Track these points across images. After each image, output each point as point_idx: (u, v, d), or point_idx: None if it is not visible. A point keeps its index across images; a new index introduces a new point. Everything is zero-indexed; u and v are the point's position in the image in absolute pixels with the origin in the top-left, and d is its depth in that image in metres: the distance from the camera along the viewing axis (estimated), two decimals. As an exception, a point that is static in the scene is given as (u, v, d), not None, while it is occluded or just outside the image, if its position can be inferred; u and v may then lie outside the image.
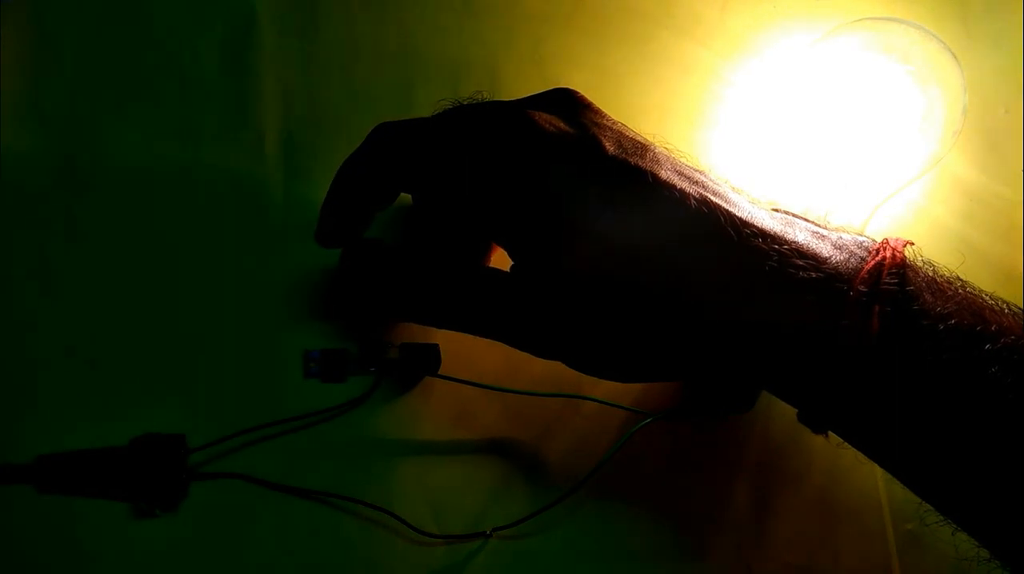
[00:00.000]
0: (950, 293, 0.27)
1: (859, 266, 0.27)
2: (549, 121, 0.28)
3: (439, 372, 0.35)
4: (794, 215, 0.35)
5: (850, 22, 0.36)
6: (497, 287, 0.30)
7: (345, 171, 0.31)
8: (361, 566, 0.35)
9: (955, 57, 0.35)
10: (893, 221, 0.38)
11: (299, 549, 0.34)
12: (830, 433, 0.29)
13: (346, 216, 0.31)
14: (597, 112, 0.30)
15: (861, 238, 0.29)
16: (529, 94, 0.31)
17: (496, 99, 0.30)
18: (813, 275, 0.27)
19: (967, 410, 0.25)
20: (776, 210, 0.35)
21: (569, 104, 0.30)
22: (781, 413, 0.36)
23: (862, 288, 0.26)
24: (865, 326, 0.26)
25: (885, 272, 0.26)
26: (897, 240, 0.28)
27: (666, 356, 0.28)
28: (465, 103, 0.30)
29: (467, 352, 0.33)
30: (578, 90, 0.30)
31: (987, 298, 0.27)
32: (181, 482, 0.34)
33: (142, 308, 0.35)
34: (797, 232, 0.28)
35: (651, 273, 0.27)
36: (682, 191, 0.28)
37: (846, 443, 0.29)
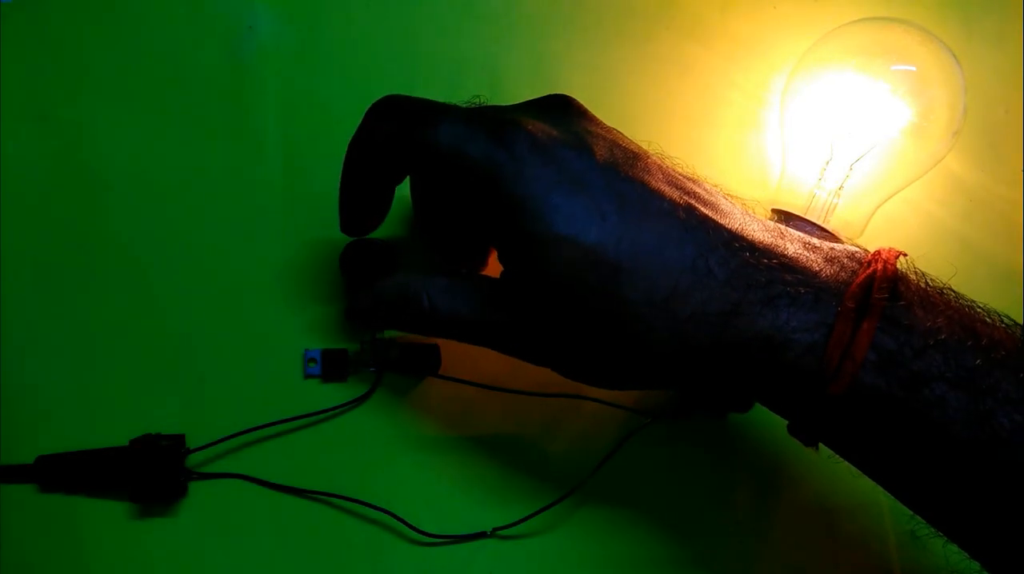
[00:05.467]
0: (942, 306, 0.26)
1: (850, 279, 0.27)
2: (542, 130, 0.28)
3: (440, 372, 0.35)
4: (794, 216, 0.35)
5: (850, 22, 0.36)
6: (487, 294, 0.30)
7: (351, 156, 0.30)
8: (361, 566, 0.35)
9: (955, 57, 0.34)
10: (893, 221, 0.38)
11: (299, 549, 0.34)
12: (821, 445, 0.29)
13: (365, 200, 0.31)
14: (592, 120, 0.30)
15: (853, 248, 0.28)
16: (528, 94, 0.31)
17: (494, 101, 0.30)
18: (802, 291, 0.26)
19: (954, 427, 0.25)
20: (775, 210, 0.35)
21: (564, 111, 0.29)
22: (781, 413, 0.36)
23: (850, 304, 0.26)
24: (853, 342, 0.25)
25: (876, 286, 0.26)
26: (890, 251, 0.27)
27: (652, 367, 0.28)
28: (463, 107, 0.29)
29: (468, 352, 0.33)
30: (576, 93, 0.30)
31: (980, 310, 0.27)
32: (180, 482, 0.34)
33: (142, 308, 0.35)
34: (788, 244, 0.28)
35: (636, 285, 0.26)
36: (671, 202, 0.27)
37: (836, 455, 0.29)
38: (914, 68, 0.34)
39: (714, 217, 0.27)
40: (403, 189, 0.32)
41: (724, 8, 0.39)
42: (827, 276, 0.27)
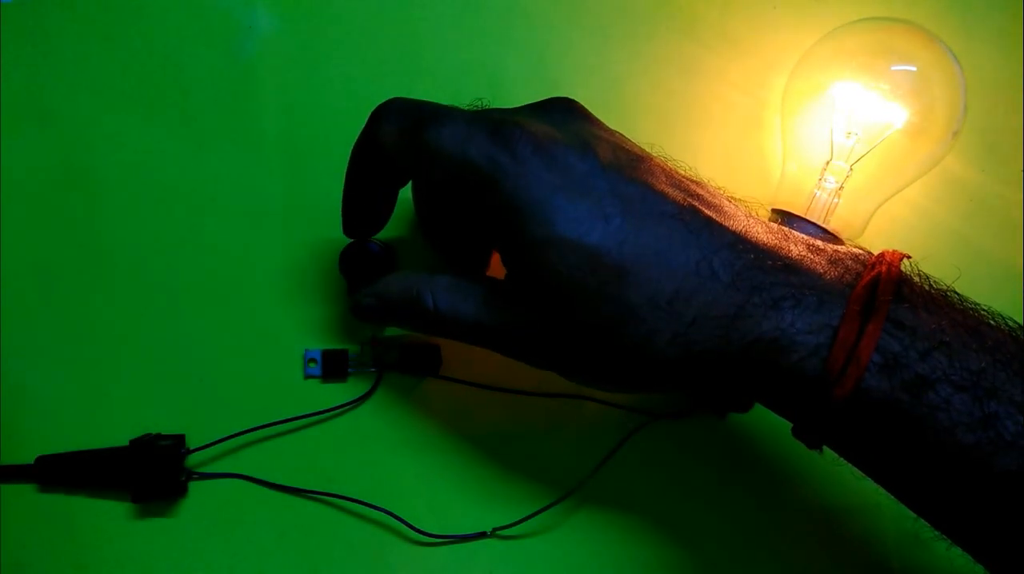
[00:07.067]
0: (946, 309, 0.26)
1: (854, 282, 0.26)
2: (544, 132, 0.28)
3: (440, 372, 0.35)
4: (794, 216, 0.35)
5: (850, 22, 0.36)
6: (490, 296, 0.30)
7: (355, 159, 0.30)
8: (361, 566, 0.35)
9: (955, 57, 0.34)
10: (893, 221, 0.38)
11: (299, 549, 0.34)
12: (825, 448, 0.29)
13: (368, 203, 0.31)
14: (595, 123, 0.29)
15: (857, 250, 0.28)
16: (529, 95, 0.31)
17: (495, 103, 0.30)
18: (807, 293, 0.26)
19: (959, 430, 0.25)
20: (775, 211, 0.35)
21: (567, 113, 0.29)
22: (781, 413, 0.36)
23: (855, 306, 0.26)
24: (858, 345, 0.25)
25: (881, 288, 0.26)
26: (894, 253, 0.27)
27: (656, 371, 0.28)
28: (466, 109, 0.29)
29: (468, 352, 0.33)
30: (577, 93, 0.30)
31: (983, 312, 0.27)
32: (181, 482, 0.34)
33: (142, 308, 0.35)
34: (792, 246, 0.28)
35: (640, 288, 0.26)
36: (675, 204, 0.27)
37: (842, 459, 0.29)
38: (914, 68, 0.34)
39: (718, 219, 0.27)
40: (404, 191, 0.32)
41: (723, 8, 0.39)
42: (831, 278, 0.27)
